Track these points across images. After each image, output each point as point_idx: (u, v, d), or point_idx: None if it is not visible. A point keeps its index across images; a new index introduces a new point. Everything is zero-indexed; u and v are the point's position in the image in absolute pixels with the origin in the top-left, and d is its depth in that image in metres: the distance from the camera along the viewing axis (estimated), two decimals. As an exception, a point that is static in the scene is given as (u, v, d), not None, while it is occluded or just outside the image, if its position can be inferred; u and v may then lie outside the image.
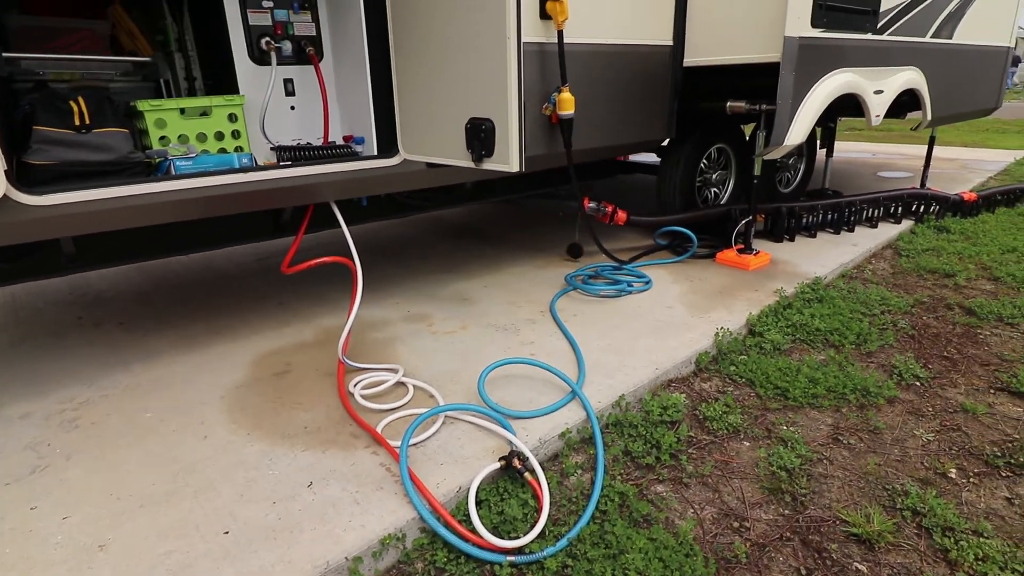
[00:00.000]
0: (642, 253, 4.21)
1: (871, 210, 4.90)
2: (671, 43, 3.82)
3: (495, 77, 2.25)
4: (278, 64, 2.82)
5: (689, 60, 3.86)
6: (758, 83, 3.80)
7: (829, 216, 4.72)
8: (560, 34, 3.13)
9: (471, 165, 2.44)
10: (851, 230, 4.77)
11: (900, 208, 5.01)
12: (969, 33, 4.97)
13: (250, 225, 2.81)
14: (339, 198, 2.72)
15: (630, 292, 3.55)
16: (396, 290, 3.72)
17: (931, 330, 3.31)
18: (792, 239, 4.55)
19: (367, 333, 3.10)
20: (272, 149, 2.80)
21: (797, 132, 3.53)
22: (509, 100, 2.23)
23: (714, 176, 4.60)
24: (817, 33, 3.47)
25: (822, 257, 4.18)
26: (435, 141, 2.59)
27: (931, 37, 4.54)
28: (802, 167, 5.39)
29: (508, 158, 2.31)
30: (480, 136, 2.34)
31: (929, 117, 4.81)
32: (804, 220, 4.60)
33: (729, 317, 3.21)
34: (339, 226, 2.70)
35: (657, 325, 3.12)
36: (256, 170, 2.42)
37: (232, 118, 2.59)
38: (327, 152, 2.69)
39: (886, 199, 4.93)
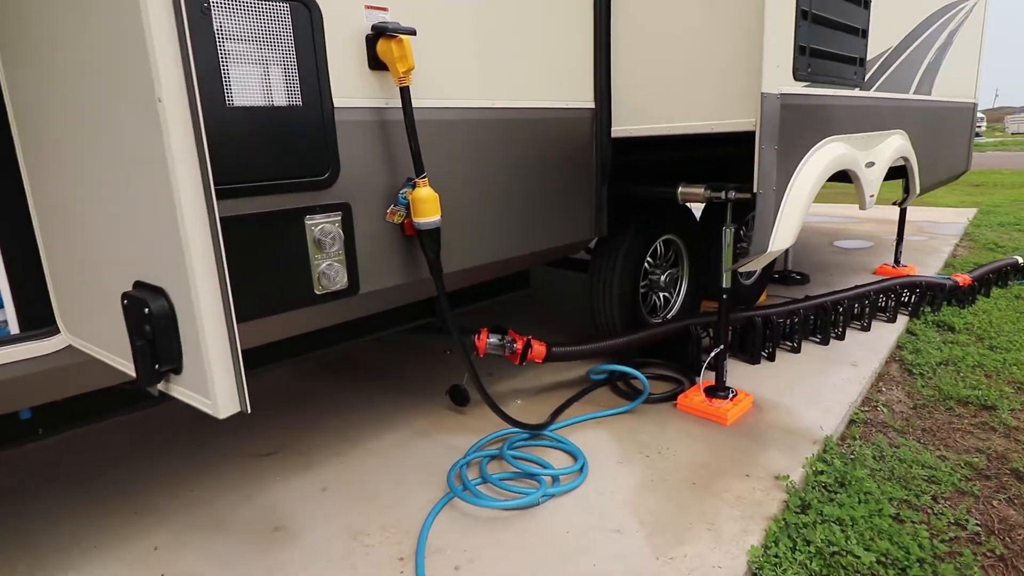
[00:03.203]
0: (570, 400, 2.90)
1: (860, 307, 3.83)
2: (592, 105, 2.65)
3: (157, 195, 0.92)
4: None
5: (620, 128, 2.69)
6: (720, 153, 2.68)
7: (811, 320, 3.60)
8: (405, 93, 1.86)
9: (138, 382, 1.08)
10: (841, 336, 3.66)
11: (893, 302, 3.97)
12: (944, 87, 4.12)
13: None
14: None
15: (551, 495, 2.20)
16: (169, 505, 2.22)
17: (1019, 535, 2.11)
18: (772, 357, 3.37)
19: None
20: None
21: (785, 231, 2.36)
22: (189, 253, 0.90)
23: (663, 278, 3.41)
24: (801, 88, 2.37)
25: (819, 390, 2.99)
26: (96, 322, 1.21)
27: (914, 93, 3.62)
28: (764, 250, 4.31)
29: (205, 384, 0.95)
30: (144, 329, 0.98)
31: (918, 190, 3.84)
32: (783, 326, 3.45)
33: (715, 551, 1.90)
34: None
35: (598, 590, 1.77)
36: None
37: None
38: None
39: (876, 292, 3.88)
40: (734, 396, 2.78)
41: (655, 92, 2.53)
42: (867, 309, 3.82)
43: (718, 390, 2.79)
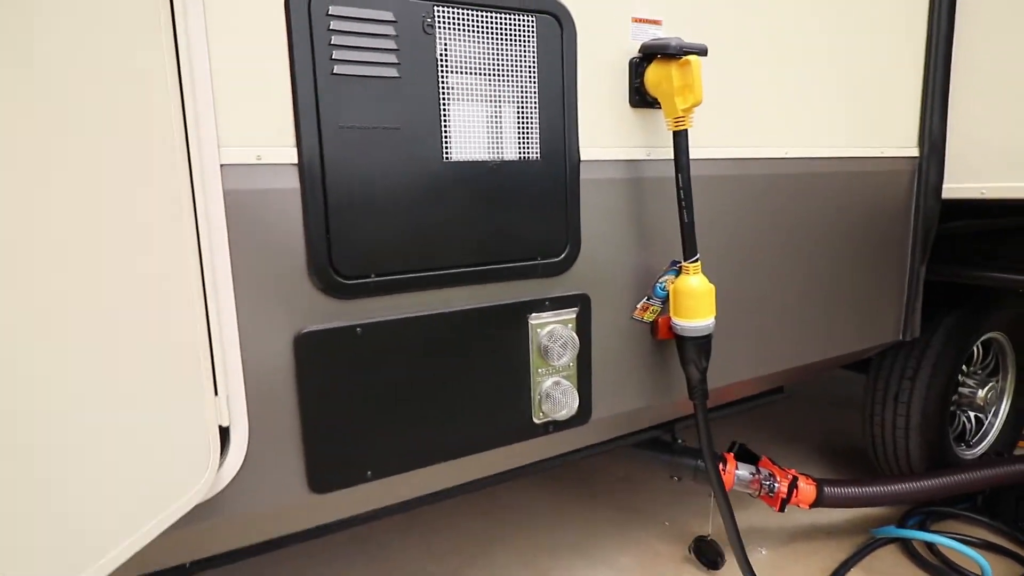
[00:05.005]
0: (845, 566, 2.02)
1: None
2: (915, 152, 1.84)
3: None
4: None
5: (957, 186, 1.84)
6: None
7: None
8: (681, 139, 1.27)
9: None
10: None
11: None
12: None
13: None
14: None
15: None
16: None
17: None
18: None
19: None
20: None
21: None
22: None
23: (981, 393, 2.38)
24: None
25: None
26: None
27: None
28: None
29: None
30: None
31: None
32: None
33: None
34: None
35: None
36: None
37: None
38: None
39: None
40: None
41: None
42: None
43: (1119, 602, 1.73)
